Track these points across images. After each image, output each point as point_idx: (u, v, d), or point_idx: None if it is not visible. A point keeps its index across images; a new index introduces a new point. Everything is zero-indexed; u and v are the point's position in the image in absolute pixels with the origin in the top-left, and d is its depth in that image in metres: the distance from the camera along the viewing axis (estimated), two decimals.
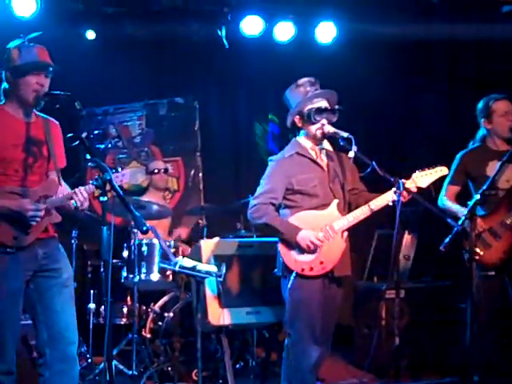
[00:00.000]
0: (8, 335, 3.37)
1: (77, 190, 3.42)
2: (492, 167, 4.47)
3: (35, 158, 3.47)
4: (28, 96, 3.42)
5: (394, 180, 3.79)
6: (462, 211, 4.35)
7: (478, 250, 4.28)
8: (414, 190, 3.86)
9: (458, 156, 4.64)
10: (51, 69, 3.46)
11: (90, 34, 6.25)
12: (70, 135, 3.35)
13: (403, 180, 3.83)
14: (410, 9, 6.06)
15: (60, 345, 3.43)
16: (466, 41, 6.13)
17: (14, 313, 3.39)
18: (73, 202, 3.41)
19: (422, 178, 3.91)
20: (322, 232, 3.88)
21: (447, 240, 4.28)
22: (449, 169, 4.18)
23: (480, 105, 4.65)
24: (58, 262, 3.52)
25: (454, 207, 4.53)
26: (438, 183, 4.13)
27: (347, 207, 4.05)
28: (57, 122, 3.62)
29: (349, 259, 4.05)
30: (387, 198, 3.88)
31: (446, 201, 4.61)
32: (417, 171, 3.93)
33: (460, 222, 4.17)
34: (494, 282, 4.37)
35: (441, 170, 3.97)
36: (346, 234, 3.95)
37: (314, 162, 4.04)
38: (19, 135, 3.44)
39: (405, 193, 3.79)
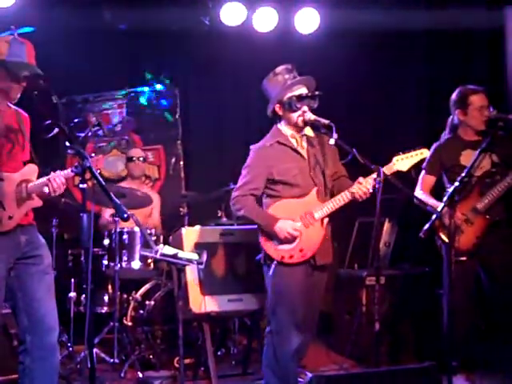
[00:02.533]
0: None
1: (52, 175, 3.40)
2: (466, 156, 4.54)
3: (12, 145, 3.46)
4: (9, 90, 3.43)
5: (374, 167, 3.80)
6: (437, 204, 4.39)
7: (446, 234, 4.36)
8: (392, 175, 3.88)
9: (432, 148, 4.68)
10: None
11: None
12: (48, 122, 3.34)
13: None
14: None
15: (41, 332, 3.44)
16: (448, 29, 6.16)
17: None
18: (45, 188, 3.40)
19: (402, 162, 3.92)
20: (300, 221, 3.90)
21: (427, 227, 4.35)
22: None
23: (455, 96, 4.67)
24: (38, 249, 3.52)
25: (430, 201, 4.56)
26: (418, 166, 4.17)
27: (329, 193, 4.05)
28: (26, 115, 3.61)
29: (330, 247, 4.07)
30: (365, 186, 3.89)
31: (421, 194, 4.65)
32: (397, 154, 3.95)
33: (439, 209, 4.22)
34: (466, 267, 4.41)
35: (421, 153, 3.97)
36: (326, 221, 3.96)
37: (295, 150, 4.03)
38: None
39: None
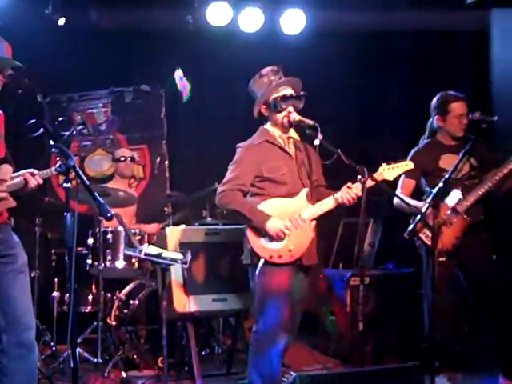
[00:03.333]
0: None
1: (27, 174, 3.38)
2: (445, 160, 4.59)
3: None
4: None
5: (358, 168, 3.82)
6: (419, 205, 4.42)
7: (426, 234, 4.39)
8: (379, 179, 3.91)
9: (412, 152, 4.71)
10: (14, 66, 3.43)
11: (61, 21, 6.16)
12: (32, 121, 3.32)
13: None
14: None
15: (18, 330, 3.41)
16: (432, 30, 6.20)
17: None
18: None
19: (389, 171, 3.96)
20: (290, 221, 3.90)
21: (411, 227, 4.39)
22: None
23: (436, 101, 4.71)
24: (13, 248, 3.50)
25: (413, 202, 4.57)
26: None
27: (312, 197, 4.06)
28: (1, 112, 3.58)
29: (315, 248, 4.07)
30: (354, 191, 3.91)
31: (402, 196, 4.67)
32: (384, 164, 3.97)
33: (424, 210, 4.25)
34: (446, 268, 4.44)
35: (406, 165, 4.03)
36: (314, 222, 3.97)
37: (283, 150, 4.05)
38: None
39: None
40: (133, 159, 6.18)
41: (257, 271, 3.92)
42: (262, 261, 3.90)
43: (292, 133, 4.11)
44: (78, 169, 3.20)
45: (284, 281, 3.91)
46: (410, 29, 6.27)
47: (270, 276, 3.91)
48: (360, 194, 3.86)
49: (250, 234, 3.94)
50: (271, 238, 3.89)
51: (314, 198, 4.01)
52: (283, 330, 3.91)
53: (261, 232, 3.89)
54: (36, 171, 3.41)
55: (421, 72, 6.65)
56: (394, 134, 6.57)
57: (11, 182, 3.40)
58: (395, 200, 4.65)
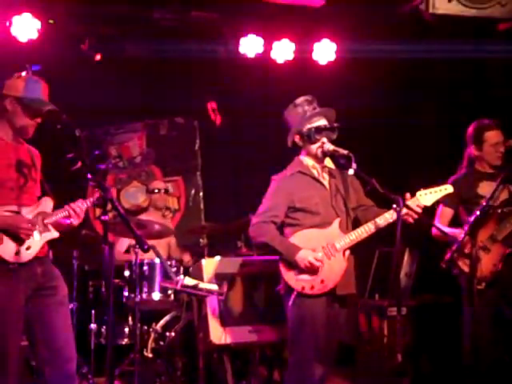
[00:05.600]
0: (12, 351, 3.38)
1: (69, 207, 3.46)
2: (483, 187, 4.55)
3: (26, 179, 3.52)
4: (24, 127, 3.51)
5: (394, 197, 3.79)
6: (456, 233, 4.37)
7: (464, 262, 4.33)
8: (417, 208, 3.87)
9: (450, 181, 4.66)
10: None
11: (97, 57, 6.30)
12: (70, 156, 3.38)
13: (408, 196, 3.86)
14: (407, 28, 6.09)
15: (60, 362, 3.46)
16: (465, 60, 6.17)
17: (18, 329, 3.42)
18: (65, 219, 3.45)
19: (426, 196, 3.92)
20: (321, 251, 3.89)
21: (448, 256, 4.33)
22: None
23: (471, 130, 4.69)
24: (55, 280, 3.56)
25: (447, 230, 4.51)
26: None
27: (352, 224, 4.04)
28: (37, 151, 3.68)
29: (353, 277, 4.05)
30: (389, 216, 3.89)
31: (437, 224, 4.61)
32: (421, 189, 3.94)
33: (460, 239, 4.19)
34: (486, 297, 4.36)
35: (445, 189, 3.98)
36: (347, 252, 3.94)
37: (316, 180, 4.05)
38: (9, 157, 3.50)
39: (411, 212, 3.81)
40: (166, 191, 6.24)
41: (290, 302, 3.91)
42: (294, 292, 3.89)
43: (327, 161, 4.12)
44: (115, 202, 3.25)
45: (317, 312, 3.88)
46: (443, 57, 6.24)
47: (303, 307, 3.89)
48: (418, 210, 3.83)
49: (282, 265, 3.95)
50: (302, 270, 3.88)
51: (363, 222, 3.98)
52: (318, 362, 3.87)
53: (292, 264, 3.89)
54: (77, 209, 3.47)
55: (456, 101, 6.61)
56: (430, 163, 6.52)
57: (55, 214, 3.47)
58: (434, 229, 4.59)
